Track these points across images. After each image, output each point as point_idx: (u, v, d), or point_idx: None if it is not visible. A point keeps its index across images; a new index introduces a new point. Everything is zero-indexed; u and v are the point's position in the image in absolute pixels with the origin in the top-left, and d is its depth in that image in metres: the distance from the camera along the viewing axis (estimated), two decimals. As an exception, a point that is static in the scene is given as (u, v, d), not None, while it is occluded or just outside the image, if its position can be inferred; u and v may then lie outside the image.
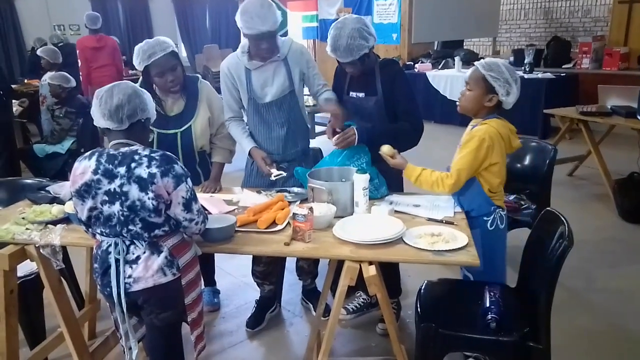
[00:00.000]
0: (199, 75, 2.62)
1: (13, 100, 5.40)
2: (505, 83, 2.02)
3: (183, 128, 2.49)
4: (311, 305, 2.88)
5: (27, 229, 2.04)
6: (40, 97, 5.49)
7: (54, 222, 2.09)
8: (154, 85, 2.42)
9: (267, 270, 2.73)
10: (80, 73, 6.23)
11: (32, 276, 2.31)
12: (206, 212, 2.05)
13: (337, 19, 2.93)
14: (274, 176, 2.41)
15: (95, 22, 6.26)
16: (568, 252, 1.75)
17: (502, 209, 2.15)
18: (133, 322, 1.85)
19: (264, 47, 2.31)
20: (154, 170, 1.62)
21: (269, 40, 2.29)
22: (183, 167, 1.71)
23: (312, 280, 2.91)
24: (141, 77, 2.46)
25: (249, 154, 2.54)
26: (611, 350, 2.53)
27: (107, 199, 1.63)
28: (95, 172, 1.63)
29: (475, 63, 2.11)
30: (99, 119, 1.68)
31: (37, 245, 1.97)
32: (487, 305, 1.89)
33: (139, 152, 1.65)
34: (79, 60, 6.28)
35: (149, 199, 1.62)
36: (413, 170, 2.17)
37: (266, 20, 2.22)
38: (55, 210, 2.16)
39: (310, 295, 2.92)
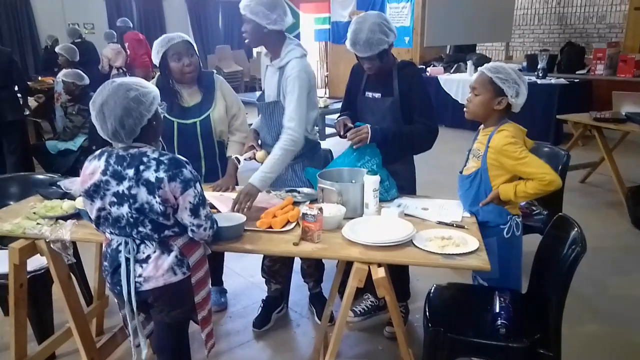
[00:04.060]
0: (214, 71, 2.67)
1: (28, 97, 5.46)
2: (514, 84, 2.01)
3: (202, 117, 2.51)
4: (314, 310, 2.86)
5: (37, 223, 2.06)
6: (56, 94, 5.53)
7: (65, 218, 2.10)
8: (171, 80, 2.45)
9: (275, 268, 2.73)
10: (128, 58, 8.59)
11: (42, 271, 2.33)
12: (216, 210, 2.05)
13: (349, 22, 2.91)
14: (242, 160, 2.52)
15: (126, 23, 8.89)
16: (581, 258, 1.73)
17: (518, 216, 2.12)
18: (141, 318, 1.85)
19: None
20: (161, 174, 1.59)
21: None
22: (192, 171, 1.67)
23: (315, 283, 2.87)
24: (157, 73, 2.53)
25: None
26: (622, 358, 2.50)
27: (115, 200, 1.62)
28: (104, 173, 1.62)
29: (480, 68, 2.09)
30: (104, 137, 1.66)
31: (47, 240, 1.98)
32: (497, 310, 1.87)
33: (147, 154, 1.63)
34: (127, 50, 8.54)
35: (156, 202, 1.61)
36: (508, 188, 2.02)
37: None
38: (66, 205, 2.17)
39: (315, 300, 2.89)
